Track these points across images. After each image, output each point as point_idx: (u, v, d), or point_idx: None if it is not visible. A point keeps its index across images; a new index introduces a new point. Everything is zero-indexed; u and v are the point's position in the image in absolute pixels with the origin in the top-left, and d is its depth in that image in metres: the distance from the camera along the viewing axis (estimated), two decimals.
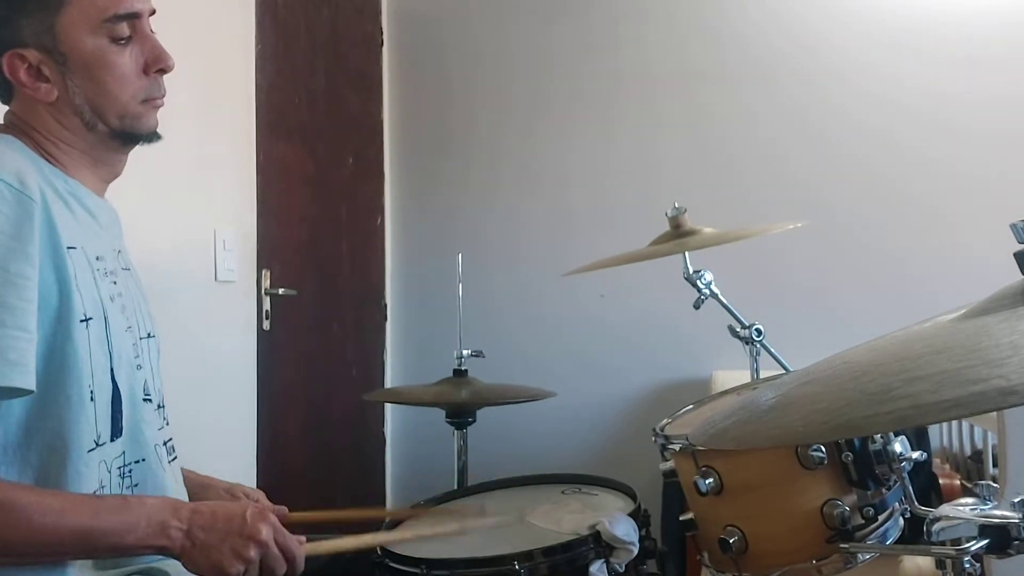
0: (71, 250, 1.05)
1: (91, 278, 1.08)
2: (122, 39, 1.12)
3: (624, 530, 1.13)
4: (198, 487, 1.29)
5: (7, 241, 0.97)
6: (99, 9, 1.10)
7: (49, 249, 1.02)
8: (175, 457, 1.23)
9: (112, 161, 1.19)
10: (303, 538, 1.07)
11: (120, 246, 1.23)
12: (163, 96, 1.18)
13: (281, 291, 2.52)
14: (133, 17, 1.13)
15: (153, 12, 1.17)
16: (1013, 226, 0.83)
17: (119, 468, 1.10)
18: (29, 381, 0.97)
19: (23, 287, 0.97)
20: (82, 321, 1.04)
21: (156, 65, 1.15)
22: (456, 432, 2.17)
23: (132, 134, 1.16)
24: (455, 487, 2.09)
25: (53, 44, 1.09)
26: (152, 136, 1.18)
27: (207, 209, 2.24)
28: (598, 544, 1.13)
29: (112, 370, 1.09)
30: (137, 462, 1.13)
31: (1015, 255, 0.84)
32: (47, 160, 1.13)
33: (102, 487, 1.07)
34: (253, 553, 1.01)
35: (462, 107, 3.24)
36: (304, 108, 2.76)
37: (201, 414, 2.03)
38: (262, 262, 2.47)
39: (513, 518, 1.24)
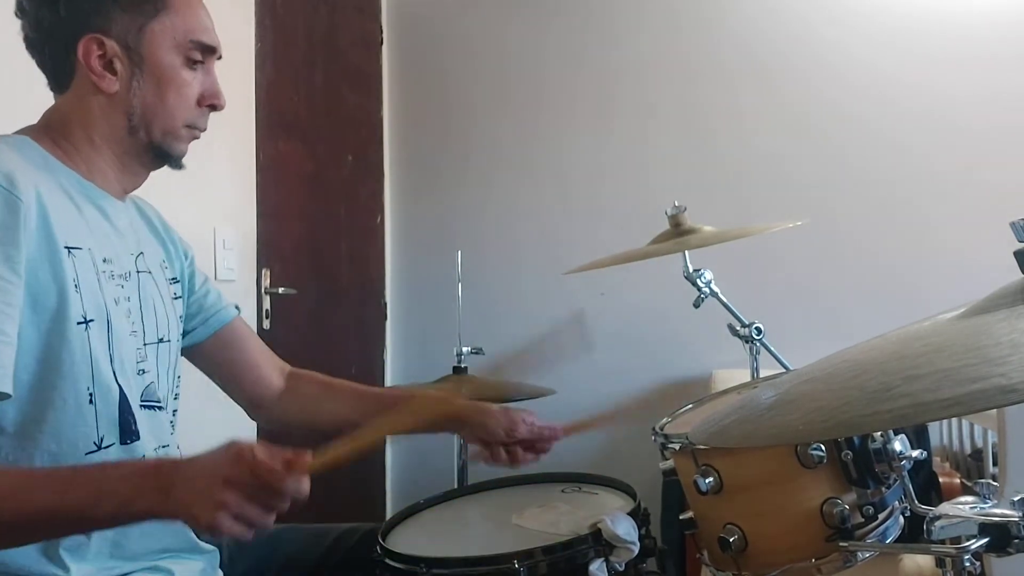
0: (73, 250, 1.05)
1: (95, 279, 1.08)
2: (194, 64, 1.18)
3: (625, 529, 1.12)
4: None
5: None
6: (188, 30, 1.17)
7: (45, 249, 1.01)
8: None
9: (136, 172, 1.21)
10: (308, 454, 0.97)
11: (144, 249, 1.23)
12: (203, 131, 1.22)
13: (281, 290, 2.52)
14: (210, 51, 1.20)
15: (220, 57, 1.23)
16: (1013, 224, 0.83)
17: None
18: (6, 384, 0.96)
19: (4, 290, 0.96)
20: (80, 323, 1.04)
21: (210, 99, 1.21)
22: None
23: (166, 153, 1.19)
24: (455, 486, 2.09)
25: (136, 44, 1.14)
26: (178, 162, 1.22)
27: (207, 208, 2.24)
28: (598, 543, 1.12)
29: (115, 373, 1.09)
30: None
31: (1015, 254, 0.84)
32: (65, 163, 1.13)
33: None
34: (227, 496, 0.91)
35: (462, 106, 3.24)
36: (303, 107, 2.75)
37: (201, 414, 2.02)
38: (262, 261, 2.47)
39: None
